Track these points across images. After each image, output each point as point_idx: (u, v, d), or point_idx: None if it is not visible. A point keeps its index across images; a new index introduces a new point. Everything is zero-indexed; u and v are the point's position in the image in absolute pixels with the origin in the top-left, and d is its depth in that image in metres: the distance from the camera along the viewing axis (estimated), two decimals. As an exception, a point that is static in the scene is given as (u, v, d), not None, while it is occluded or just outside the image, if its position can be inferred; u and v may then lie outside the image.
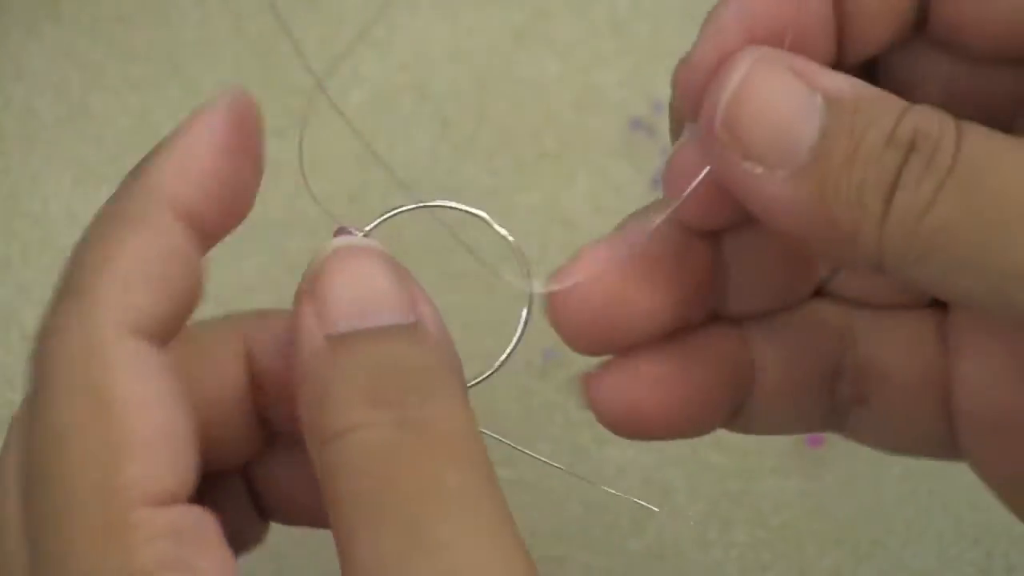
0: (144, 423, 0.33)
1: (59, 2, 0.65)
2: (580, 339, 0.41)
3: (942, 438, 0.42)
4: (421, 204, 0.42)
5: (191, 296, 0.37)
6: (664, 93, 0.63)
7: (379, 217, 0.41)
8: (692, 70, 0.38)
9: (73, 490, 0.32)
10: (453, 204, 0.42)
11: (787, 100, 0.35)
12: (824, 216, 0.34)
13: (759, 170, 0.35)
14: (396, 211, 0.41)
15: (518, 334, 0.40)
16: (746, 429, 0.43)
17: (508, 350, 0.40)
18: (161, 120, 0.64)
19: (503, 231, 0.41)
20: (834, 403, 0.42)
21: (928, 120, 0.34)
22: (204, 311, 0.59)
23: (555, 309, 0.41)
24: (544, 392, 0.59)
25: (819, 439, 0.57)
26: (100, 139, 0.63)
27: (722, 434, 0.58)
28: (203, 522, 0.34)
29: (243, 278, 0.61)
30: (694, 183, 0.38)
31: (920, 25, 0.38)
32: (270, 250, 0.61)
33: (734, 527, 0.57)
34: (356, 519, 0.33)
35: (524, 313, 0.40)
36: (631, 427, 0.41)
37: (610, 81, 0.64)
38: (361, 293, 0.36)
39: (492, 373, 0.40)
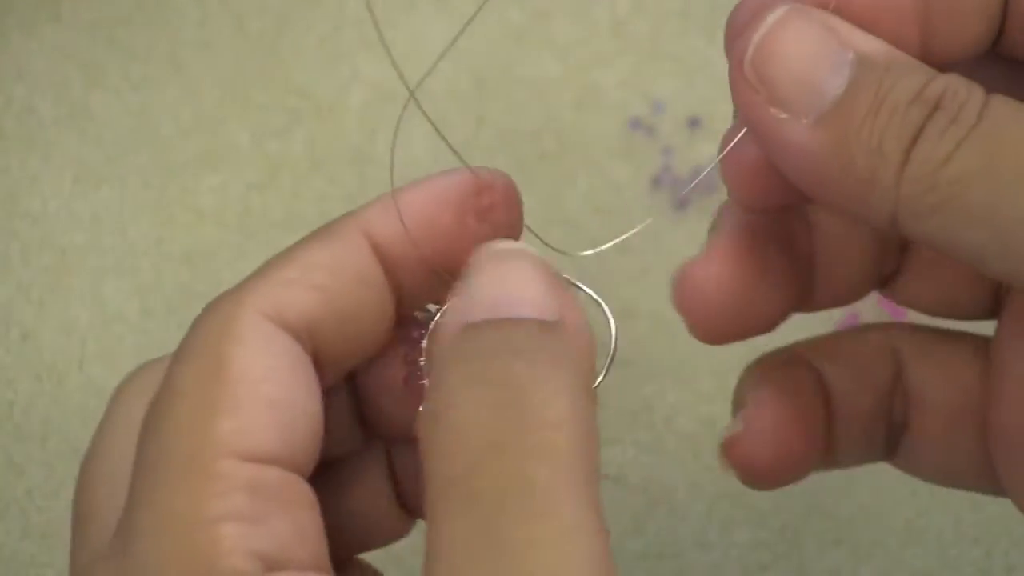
0: (249, 389, 0.34)
1: (60, 3, 0.65)
2: (705, 329, 0.41)
3: (981, 469, 0.42)
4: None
5: (361, 311, 0.37)
6: (663, 93, 0.63)
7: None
8: (736, 21, 0.38)
9: (173, 437, 0.34)
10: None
11: (816, 48, 0.35)
12: (843, 163, 0.34)
13: (784, 115, 0.35)
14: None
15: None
16: (833, 464, 0.44)
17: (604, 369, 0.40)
18: (161, 120, 0.63)
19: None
20: (890, 430, 0.43)
21: (957, 83, 0.34)
22: (200, 309, 0.60)
23: (681, 299, 0.41)
24: None
25: (819, 439, 0.57)
26: (100, 139, 0.63)
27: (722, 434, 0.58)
28: (293, 487, 0.34)
29: (242, 276, 0.60)
30: (734, 141, 0.38)
31: (995, 38, 0.38)
32: (270, 250, 0.60)
33: (734, 527, 0.57)
34: (440, 505, 0.32)
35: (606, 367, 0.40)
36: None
37: (610, 81, 0.64)
38: (507, 289, 0.36)
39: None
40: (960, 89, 0.34)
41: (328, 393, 0.39)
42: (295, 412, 0.35)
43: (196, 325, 0.36)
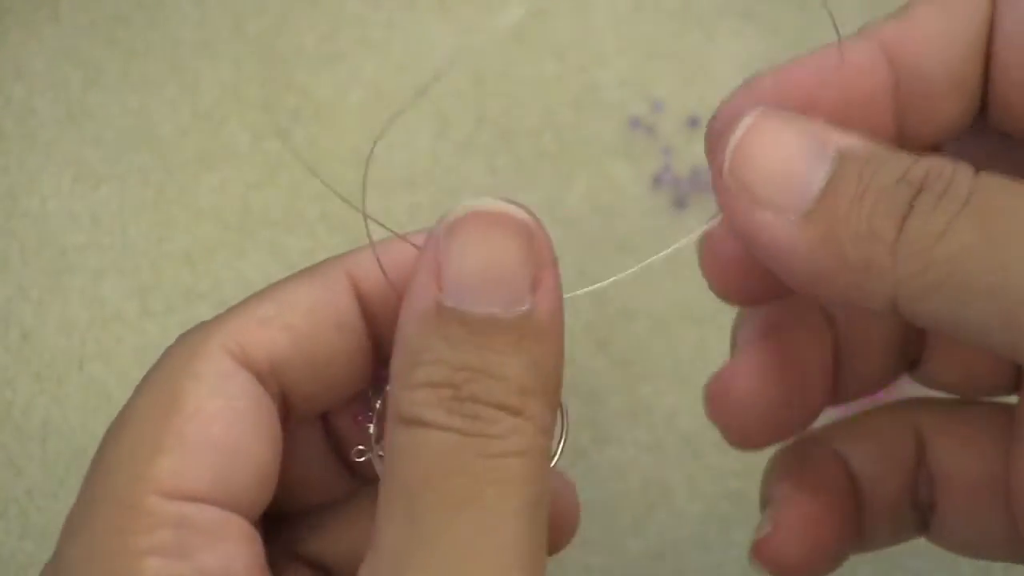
0: (196, 429, 0.35)
1: (59, 2, 0.65)
2: (743, 438, 0.43)
3: (1012, 541, 0.41)
4: None
5: (334, 355, 0.37)
6: (663, 92, 0.63)
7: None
8: (714, 129, 0.38)
9: (113, 471, 0.35)
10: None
11: (794, 146, 0.35)
12: (834, 254, 0.34)
13: (768, 215, 0.35)
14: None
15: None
16: (864, 548, 0.44)
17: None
18: (160, 120, 0.63)
19: None
20: (918, 510, 0.43)
21: (941, 164, 0.34)
22: (201, 310, 0.60)
23: (718, 413, 0.42)
24: None
25: (819, 438, 0.57)
26: (99, 139, 0.63)
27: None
28: (227, 525, 0.35)
29: (242, 276, 0.61)
30: (708, 224, 0.38)
31: (979, 113, 0.38)
32: (270, 249, 0.61)
33: (734, 527, 0.57)
34: (392, 506, 0.33)
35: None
36: None
37: (610, 81, 0.64)
38: (482, 269, 0.35)
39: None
40: (945, 168, 0.34)
41: (304, 435, 0.39)
42: (241, 455, 0.35)
43: (163, 356, 0.37)
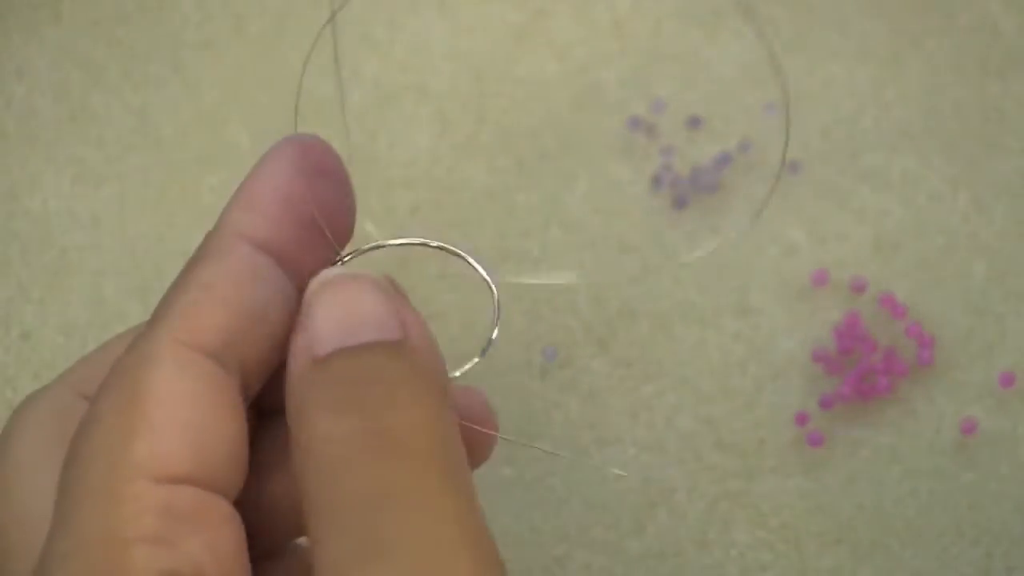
0: (165, 413, 0.35)
1: (60, 3, 0.65)
2: None
3: None
4: (421, 242, 0.43)
5: (270, 308, 0.38)
6: (664, 92, 0.63)
7: (355, 249, 0.41)
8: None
9: (89, 463, 0.35)
10: (433, 243, 0.43)
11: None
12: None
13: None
14: (379, 245, 0.42)
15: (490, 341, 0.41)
16: None
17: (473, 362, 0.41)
18: (161, 120, 0.63)
19: (485, 274, 0.42)
20: None
21: None
22: None
23: None
24: (544, 392, 0.59)
25: (819, 439, 0.57)
26: (101, 139, 0.63)
27: (723, 434, 0.58)
28: (210, 506, 0.35)
29: None
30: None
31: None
32: None
33: (734, 527, 0.57)
34: (319, 529, 0.34)
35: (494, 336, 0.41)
36: None
37: (609, 80, 0.64)
38: (347, 316, 0.37)
39: (464, 371, 0.41)
40: None
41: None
42: (212, 433, 0.36)
43: (116, 362, 0.37)
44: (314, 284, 0.38)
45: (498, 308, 0.42)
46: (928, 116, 0.63)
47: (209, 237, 0.39)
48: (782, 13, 0.65)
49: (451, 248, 0.42)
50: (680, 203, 0.61)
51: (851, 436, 0.58)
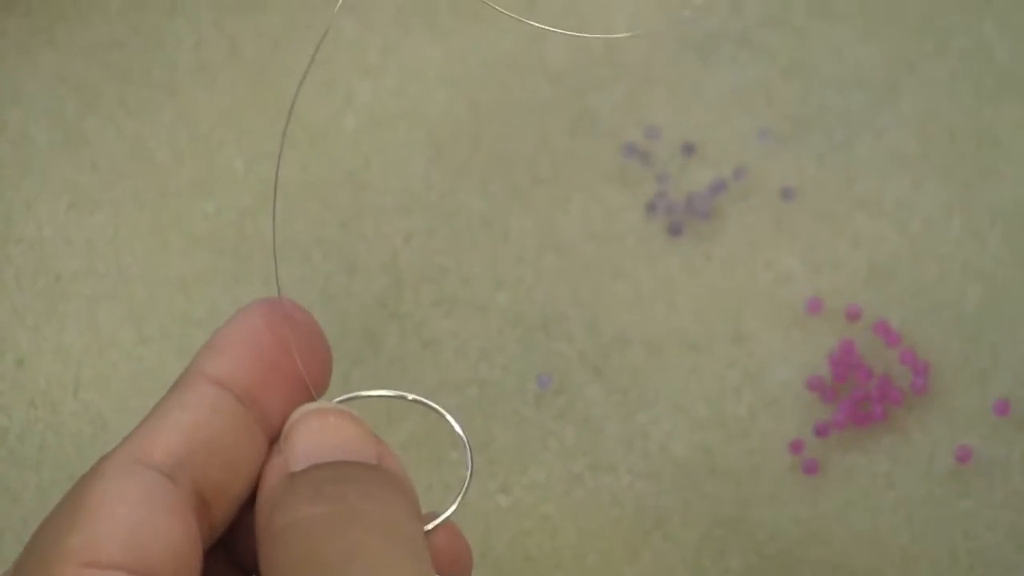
0: (101, 510, 0.38)
1: (54, 27, 0.66)
2: None
3: None
4: (397, 394, 0.46)
5: (227, 438, 0.41)
6: (658, 118, 0.64)
7: (350, 395, 0.44)
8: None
9: (30, 552, 0.38)
10: (422, 400, 0.46)
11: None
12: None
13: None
14: (355, 396, 0.45)
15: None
16: None
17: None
18: (156, 145, 0.64)
19: (459, 429, 0.45)
20: None
21: None
22: (196, 336, 0.60)
23: None
24: (539, 419, 0.60)
25: (814, 466, 0.58)
26: (95, 164, 0.64)
27: (717, 460, 0.58)
28: None
29: (238, 302, 0.60)
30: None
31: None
32: (265, 276, 0.62)
33: (729, 554, 0.58)
34: None
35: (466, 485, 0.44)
36: None
37: (604, 106, 0.64)
38: (324, 441, 0.41)
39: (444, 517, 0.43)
40: None
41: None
42: (150, 529, 0.38)
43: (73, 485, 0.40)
44: (294, 416, 0.41)
45: (471, 459, 0.44)
46: (922, 142, 0.64)
47: (179, 378, 0.42)
48: (776, 39, 0.66)
49: (427, 402, 0.45)
50: (675, 230, 0.62)
51: (846, 463, 0.59)
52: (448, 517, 0.42)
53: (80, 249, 0.62)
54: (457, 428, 0.45)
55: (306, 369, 0.43)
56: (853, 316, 0.60)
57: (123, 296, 0.61)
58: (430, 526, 0.42)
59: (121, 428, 0.58)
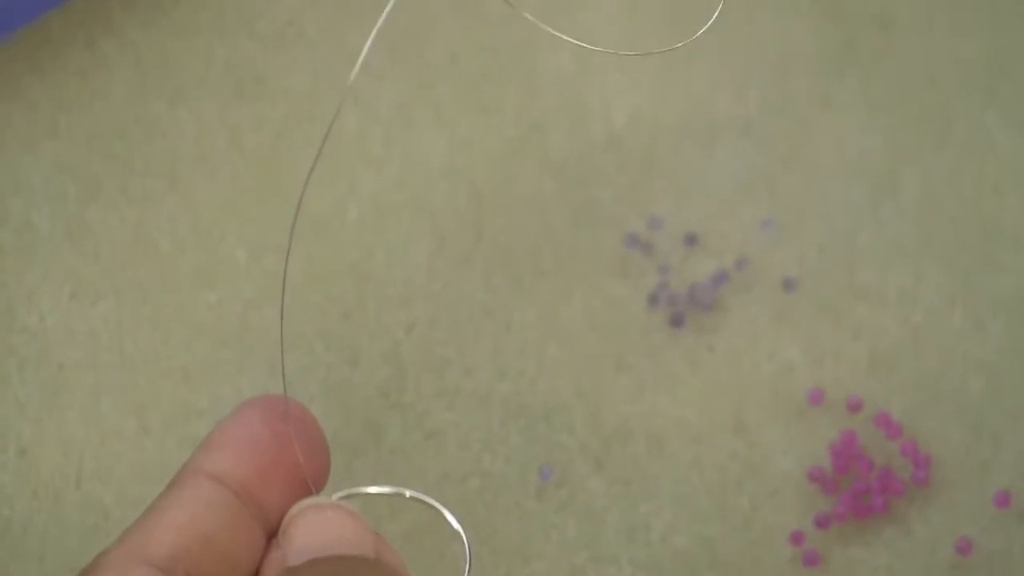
0: None
1: (57, 117, 0.67)
2: None
3: None
4: (396, 491, 0.48)
5: (222, 533, 0.43)
6: (661, 210, 0.65)
7: (348, 491, 0.46)
8: None
9: None
10: (420, 496, 0.48)
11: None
12: None
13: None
14: (367, 491, 0.47)
15: None
16: None
17: None
18: (158, 235, 0.65)
19: (457, 525, 0.47)
20: None
21: None
22: (199, 427, 0.62)
23: None
24: (541, 511, 0.61)
25: (815, 558, 0.59)
26: (98, 253, 0.65)
27: (718, 551, 0.60)
28: None
29: (240, 393, 0.62)
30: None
31: None
32: (268, 366, 0.63)
33: (732, 647, 0.59)
34: None
35: None
36: None
37: (606, 197, 0.66)
38: (323, 535, 0.42)
39: None
40: None
41: None
42: None
43: None
44: (292, 510, 0.43)
45: (469, 554, 0.46)
46: (924, 232, 0.65)
47: (175, 476, 0.44)
48: (778, 129, 0.67)
49: (425, 499, 0.47)
50: (677, 321, 0.63)
51: (847, 556, 0.60)
52: None
53: (83, 339, 0.63)
54: (455, 524, 0.46)
55: (304, 465, 0.44)
56: (854, 407, 0.62)
57: (126, 386, 0.63)
58: None
59: (124, 519, 0.60)
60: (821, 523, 0.60)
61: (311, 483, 0.44)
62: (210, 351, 0.63)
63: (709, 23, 0.50)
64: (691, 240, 0.65)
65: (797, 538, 0.60)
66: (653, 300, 0.64)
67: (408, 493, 0.48)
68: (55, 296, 0.64)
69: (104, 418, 0.62)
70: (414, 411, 0.62)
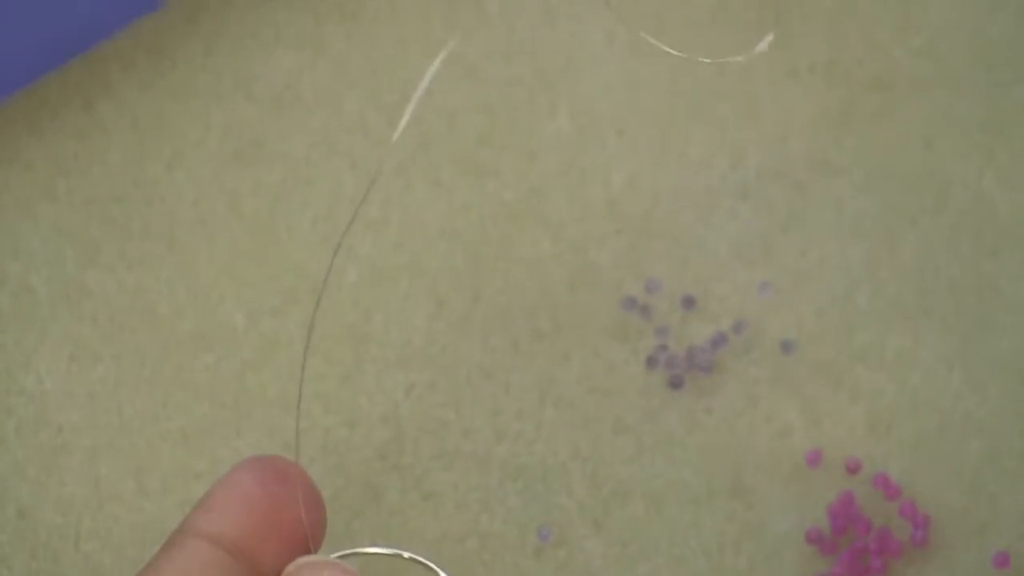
0: None
1: (55, 180, 0.68)
2: None
3: None
4: (394, 552, 0.50)
5: None
6: (659, 272, 0.66)
7: (346, 551, 0.48)
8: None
9: None
10: (418, 558, 0.49)
11: None
12: None
13: None
14: (365, 551, 0.49)
15: None
16: None
17: None
18: (157, 298, 0.66)
19: None
20: None
21: None
22: (197, 489, 0.63)
23: None
24: (539, 572, 0.62)
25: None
26: (96, 317, 0.66)
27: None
28: None
29: (239, 455, 0.63)
30: None
31: None
32: (266, 428, 0.64)
33: None
34: None
35: None
36: None
37: (604, 260, 0.67)
38: None
39: None
40: None
41: None
42: None
43: None
44: (289, 568, 0.44)
45: None
46: (922, 294, 0.66)
47: (169, 536, 0.45)
48: (776, 192, 0.68)
49: (423, 561, 0.49)
50: (675, 383, 0.64)
51: (846, 616, 0.60)
52: None
53: (81, 401, 0.65)
54: None
55: (300, 524, 0.46)
56: (853, 469, 0.62)
57: (124, 448, 0.64)
58: None
59: (121, 582, 0.61)
60: (820, 584, 0.61)
61: (309, 541, 0.46)
62: (208, 413, 0.65)
63: (767, 40, 0.51)
64: (689, 303, 0.66)
65: (796, 599, 0.60)
66: (651, 362, 0.65)
67: (406, 554, 0.49)
68: (54, 359, 0.66)
69: (103, 480, 0.63)
70: (412, 472, 0.64)
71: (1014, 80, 0.70)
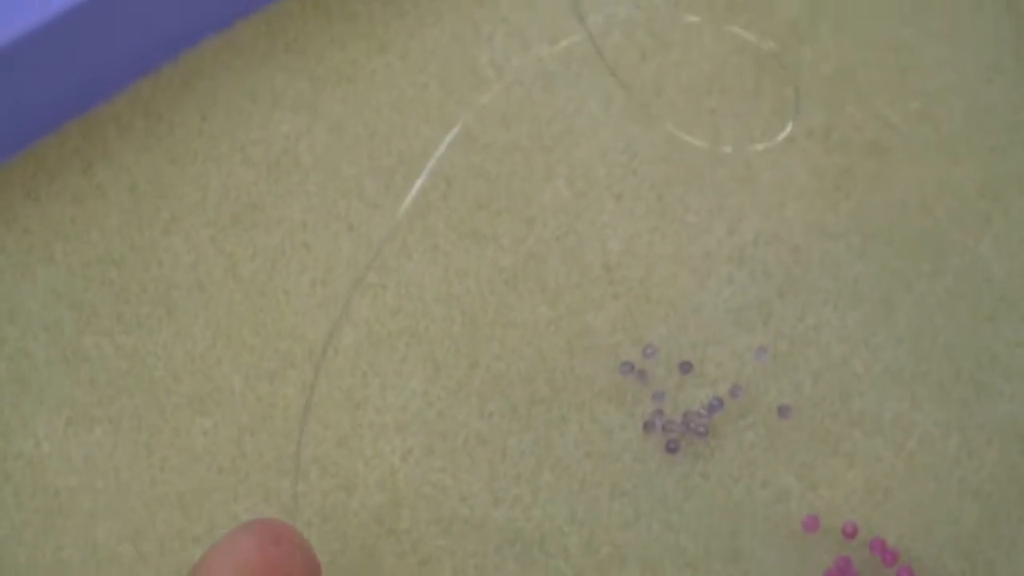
0: None
1: (53, 244, 0.69)
2: None
3: None
4: None
5: None
6: (655, 337, 0.67)
7: None
8: None
9: None
10: None
11: None
12: None
13: None
14: None
15: None
16: None
17: None
18: (154, 362, 0.67)
19: None
20: None
21: None
22: (195, 553, 0.64)
23: None
24: None
25: None
26: (93, 381, 0.67)
27: None
28: None
29: (236, 520, 0.64)
30: None
31: None
32: (263, 493, 0.65)
33: None
34: None
35: None
36: None
37: (601, 325, 0.67)
38: None
39: None
40: None
41: None
42: None
43: None
44: None
45: None
46: (919, 360, 0.67)
47: None
48: (772, 257, 0.68)
49: None
50: (672, 448, 0.65)
51: None
52: None
53: (78, 465, 0.65)
54: None
55: None
56: (850, 534, 0.63)
57: (121, 512, 0.64)
58: None
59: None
60: (816, 650, 0.61)
61: None
62: (205, 477, 0.65)
63: (787, 131, 0.51)
64: (686, 368, 0.67)
65: (792, 665, 0.61)
66: (648, 427, 0.66)
67: None
68: (51, 422, 0.66)
69: (100, 544, 0.64)
70: (409, 537, 0.64)
71: (1011, 145, 0.70)
